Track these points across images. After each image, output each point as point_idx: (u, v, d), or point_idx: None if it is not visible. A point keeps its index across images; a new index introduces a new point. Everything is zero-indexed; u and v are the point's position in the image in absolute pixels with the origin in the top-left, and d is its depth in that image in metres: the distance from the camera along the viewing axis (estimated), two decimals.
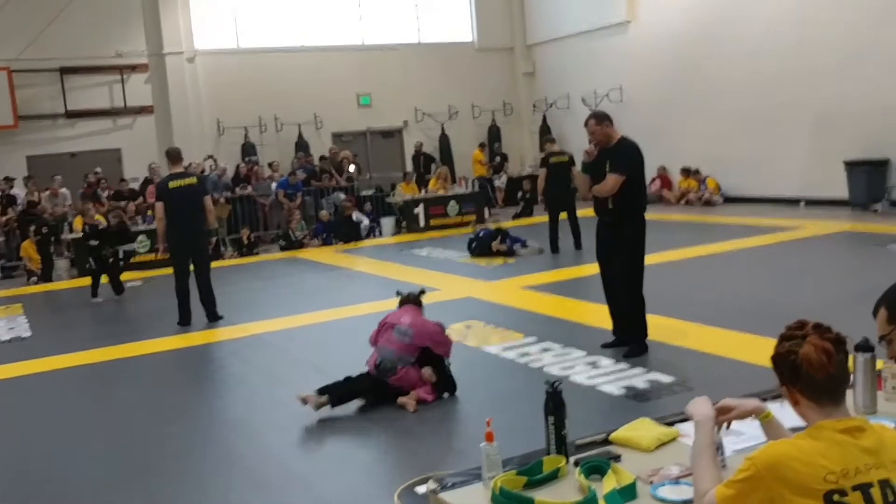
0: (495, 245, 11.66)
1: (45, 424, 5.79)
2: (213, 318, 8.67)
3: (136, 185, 15.86)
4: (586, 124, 6.07)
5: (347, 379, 5.48)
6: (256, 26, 18.29)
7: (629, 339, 6.18)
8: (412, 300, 5.76)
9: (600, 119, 6.04)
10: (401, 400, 5.35)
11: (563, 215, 11.54)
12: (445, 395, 5.51)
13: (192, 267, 8.67)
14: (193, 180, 8.71)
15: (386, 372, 5.42)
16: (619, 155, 5.96)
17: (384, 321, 5.68)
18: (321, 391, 5.33)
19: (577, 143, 6.39)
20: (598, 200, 6.12)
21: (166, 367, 7.32)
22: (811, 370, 1.88)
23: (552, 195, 11.61)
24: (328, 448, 4.88)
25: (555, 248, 11.54)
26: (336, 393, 5.36)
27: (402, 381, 5.41)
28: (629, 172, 5.91)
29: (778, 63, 14.40)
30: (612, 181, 5.89)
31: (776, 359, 1.97)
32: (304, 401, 5.27)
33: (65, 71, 16.46)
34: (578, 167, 6.82)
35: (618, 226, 6.03)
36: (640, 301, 6.14)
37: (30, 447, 5.33)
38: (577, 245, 11.50)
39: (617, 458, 2.52)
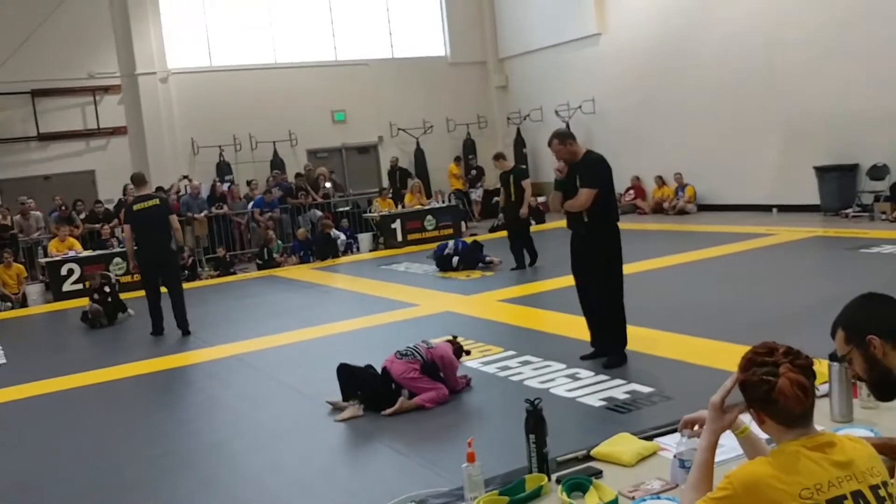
0: (489, 258, 11.64)
1: (21, 450, 5.70)
2: (185, 332, 9.09)
3: (111, 207, 15.72)
4: (550, 144, 6.17)
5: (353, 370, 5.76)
6: (229, 44, 18.23)
7: (608, 350, 6.22)
8: (451, 342, 6.07)
9: (563, 138, 6.15)
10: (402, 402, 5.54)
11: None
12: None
13: (163, 289, 9.14)
14: (157, 202, 9.26)
15: (402, 356, 5.70)
16: (587, 169, 6.06)
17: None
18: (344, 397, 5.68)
19: (550, 156, 6.46)
20: (571, 214, 6.20)
21: (144, 390, 7.25)
22: (787, 404, 1.87)
23: (532, 209, 11.83)
24: (307, 469, 4.85)
25: (535, 259, 11.58)
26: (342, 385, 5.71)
27: (409, 378, 5.62)
28: (600, 185, 6.01)
29: (748, 71, 14.60)
30: (584, 195, 5.98)
31: (747, 384, 1.93)
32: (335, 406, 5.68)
33: (36, 93, 16.30)
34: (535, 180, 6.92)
35: (592, 238, 6.10)
36: (621, 311, 6.20)
37: (4, 473, 5.24)
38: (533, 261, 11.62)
39: (598, 473, 2.53)
